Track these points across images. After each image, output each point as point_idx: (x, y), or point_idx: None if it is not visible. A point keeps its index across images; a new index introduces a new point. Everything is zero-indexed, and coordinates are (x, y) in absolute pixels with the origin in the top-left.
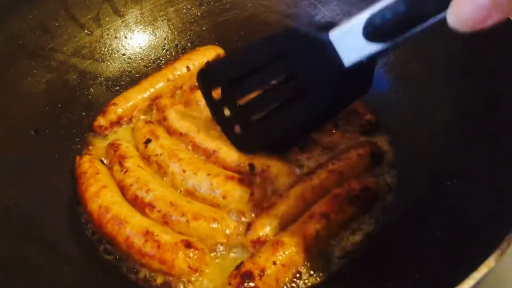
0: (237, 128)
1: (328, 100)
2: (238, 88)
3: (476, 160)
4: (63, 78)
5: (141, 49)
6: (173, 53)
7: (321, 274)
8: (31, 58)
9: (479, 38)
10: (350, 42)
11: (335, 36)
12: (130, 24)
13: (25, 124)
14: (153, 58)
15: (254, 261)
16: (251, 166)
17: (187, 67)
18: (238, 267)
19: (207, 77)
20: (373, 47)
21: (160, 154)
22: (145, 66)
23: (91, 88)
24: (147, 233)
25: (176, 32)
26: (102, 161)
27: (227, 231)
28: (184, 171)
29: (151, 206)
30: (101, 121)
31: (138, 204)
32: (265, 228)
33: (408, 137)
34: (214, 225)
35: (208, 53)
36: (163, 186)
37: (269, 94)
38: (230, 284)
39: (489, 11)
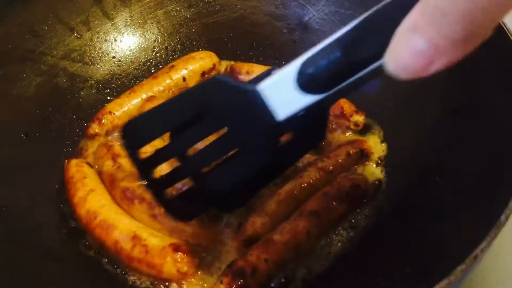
0: (171, 191)
1: (264, 157)
2: (170, 145)
3: (464, 155)
4: (53, 82)
5: (131, 52)
6: (163, 56)
7: (312, 270)
8: (20, 62)
9: None
10: (282, 94)
11: (265, 87)
12: (119, 27)
13: (15, 128)
14: (143, 60)
15: (246, 259)
16: None
17: (183, 78)
18: (229, 265)
19: (132, 135)
20: (308, 99)
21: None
22: (135, 68)
23: (81, 91)
24: (135, 237)
25: (165, 35)
26: (89, 164)
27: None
28: None
29: (141, 198)
30: (96, 129)
31: (127, 197)
32: (256, 226)
33: (396, 135)
34: (202, 223)
35: (204, 62)
36: None
37: (206, 150)
38: (221, 282)
39: (430, 58)
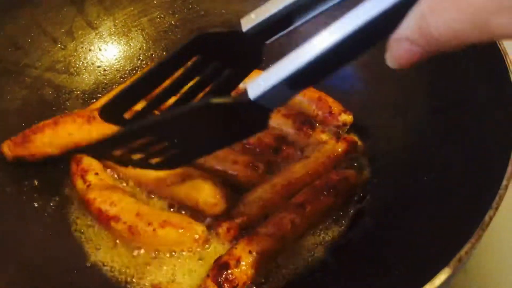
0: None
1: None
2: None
3: (451, 153)
4: (38, 94)
5: (116, 61)
6: (148, 63)
7: (298, 264)
8: (4, 75)
9: None
10: (273, 95)
11: (258, 96)
12: (104, 36)
13: (1, 143)
14: (128, 69)
15: (231, 252)
16: None
17: None
18: (216, 260)
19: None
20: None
21: None
22: (121, 77)
23: (67, 102)
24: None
25: (150, 42)
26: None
27: (196, 236)
28: None
29: (117, 219)
30: None
31: (102, 218)
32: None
33: (383, 134)
34: (182, 231)
35: None
36: (128, 197)
37: None
38: (208, 276)
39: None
